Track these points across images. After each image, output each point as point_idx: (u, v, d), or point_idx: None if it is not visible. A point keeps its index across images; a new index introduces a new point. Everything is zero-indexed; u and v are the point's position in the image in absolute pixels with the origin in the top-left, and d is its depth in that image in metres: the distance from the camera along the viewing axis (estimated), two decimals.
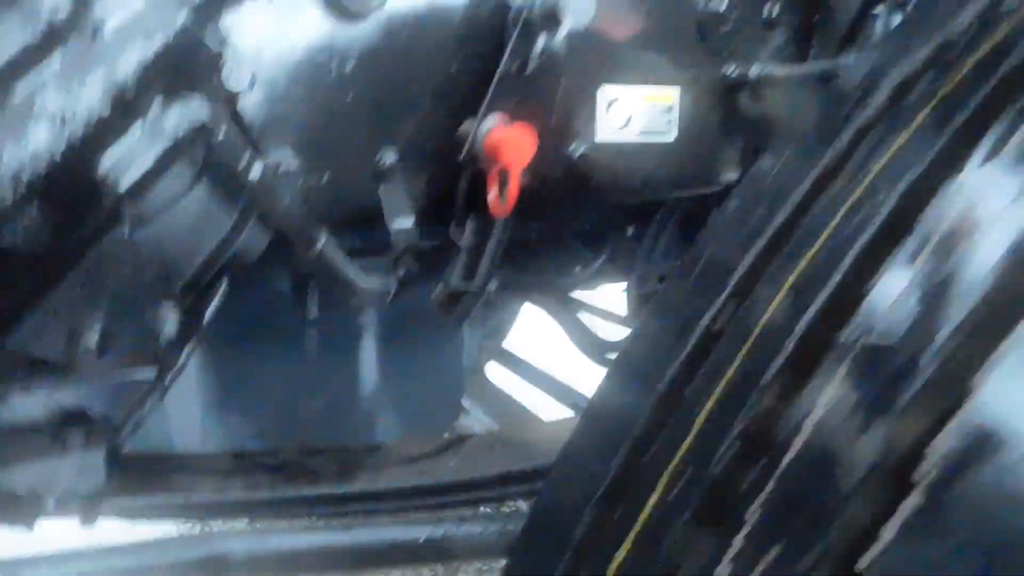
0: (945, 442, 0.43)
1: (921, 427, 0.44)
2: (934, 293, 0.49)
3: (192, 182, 0.69)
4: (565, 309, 1.32)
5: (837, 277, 0.54)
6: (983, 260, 0.49)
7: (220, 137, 0.66)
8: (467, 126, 0.86)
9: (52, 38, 0.58)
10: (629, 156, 0.98)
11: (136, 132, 0.59)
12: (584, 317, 1.37)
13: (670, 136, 1.00)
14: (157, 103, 0.59)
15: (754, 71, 0.99)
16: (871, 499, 0.44)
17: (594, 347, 1.36)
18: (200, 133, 0.62)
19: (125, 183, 0.59)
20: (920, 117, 0.56)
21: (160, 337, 0.71)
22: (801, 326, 0.52)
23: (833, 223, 0.57)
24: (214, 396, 0.97)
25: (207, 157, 0.68)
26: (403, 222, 0.86)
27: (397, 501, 0.87)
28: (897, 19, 0.96)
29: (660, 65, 0.97)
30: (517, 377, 1.82)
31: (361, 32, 0.80)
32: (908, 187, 0.54)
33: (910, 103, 0.56)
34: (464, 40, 0.85)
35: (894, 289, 0.51)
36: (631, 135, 0.98)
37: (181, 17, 0.60)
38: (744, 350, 0.56)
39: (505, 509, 1.05)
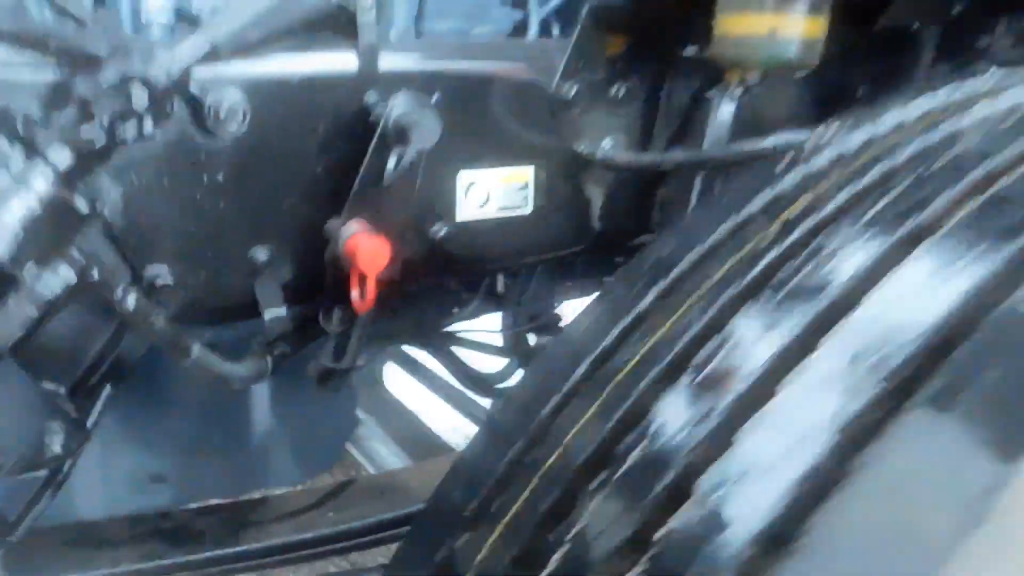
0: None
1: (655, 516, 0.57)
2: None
3: (71, 312, 0.75)
4: (441, 344, 1.43)
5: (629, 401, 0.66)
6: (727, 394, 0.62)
7: (96, 277, 0.73)
8: (333, 223, 0.94)
9: None
10: (489, 230, 1.07)
11: (12, 301, 0.65)
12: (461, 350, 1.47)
13: (527, 209, 1.10)
14: (30, 269, 0.66)
15: (600, 152, 1.09)
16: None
17: (472, 380, 1.47)
18: (73, 291, 0.69)
19: (6, 342, 0.66)
20: (701, 289, 0.68)
21: (49, 448, 0.78)
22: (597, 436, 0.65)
23: (630, 365, 0.69)
24: (114, 461, 1.04)
25: (84, 289, 0.75)
26: (276, 312, 0.94)
27: (279, 555, 0.97)
28: (729, 107, 1.07)
29: (515, 148, 1.07)
30: (415, 380, 1.92)
31: (229, 145, 0.87)
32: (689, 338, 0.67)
33: (698, 278, 0.68)
34: (328, 146, 0.92)
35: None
36: (490, 212, 1.07)
37: (49, 186, 0.66)
38: (555, 455, 0.68)
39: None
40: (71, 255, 0.69)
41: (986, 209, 0.60)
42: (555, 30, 1.26)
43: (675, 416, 0.64)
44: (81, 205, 0.69)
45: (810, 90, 1.08)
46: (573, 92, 1.06)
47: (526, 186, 1.09)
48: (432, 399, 1.86)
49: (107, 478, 1.08)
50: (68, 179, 0.68)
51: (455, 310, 1.32)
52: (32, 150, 0.70)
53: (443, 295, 1.32)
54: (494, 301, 1.36)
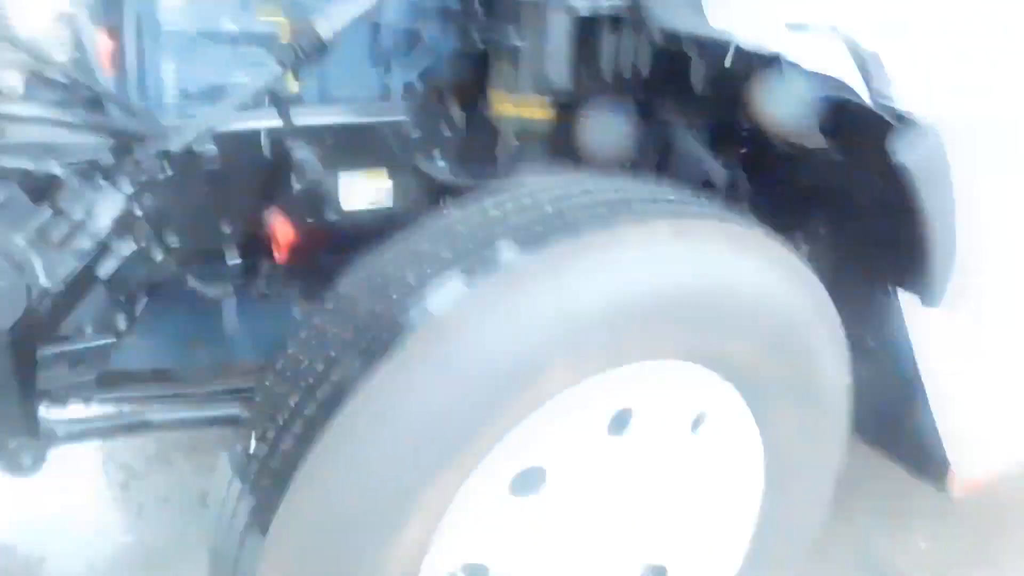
0: None
1: None
2: None
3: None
4: None
5: None
6: None
7: (141, 243, 1.50)
8: (267, 214, 1.70)
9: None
10: (364, 217, 1.82)
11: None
12: None
13: (389, 203, 1.84)
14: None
15: (435, 169, 1.84)
16: None
17: None
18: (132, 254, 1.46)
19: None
20: None
21: (116, 328, 1.58)
22: None
23: None
24: (148, 330, 1.82)
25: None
26: (234, 260, 1.71)
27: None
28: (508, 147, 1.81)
29: (377, 159, 1.79)
30: None
31: (209, 173, 1.61)
32: None
33: None
34: (264, 170, 1.67)
35: None
36: (363, 204, 1.82)
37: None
38: None
39: None
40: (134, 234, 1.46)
41: None
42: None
43: None
44: (135, 209, 1.45)
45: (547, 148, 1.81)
46: (416, 132, 1.80)
47: (388, 187, 1.83)
48: None
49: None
50: (131, 198, 1.44)
51: None
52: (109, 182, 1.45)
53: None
54: None
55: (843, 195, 1.66)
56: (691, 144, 1.81)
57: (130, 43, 1.64)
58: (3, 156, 1.42)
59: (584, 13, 1.63)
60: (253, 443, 1.25)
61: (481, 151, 1.86)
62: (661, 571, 1.53)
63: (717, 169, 1.74)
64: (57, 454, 1.57)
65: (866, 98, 1.40)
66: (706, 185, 1.75)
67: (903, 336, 1.72)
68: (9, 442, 1.47)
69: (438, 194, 1.86)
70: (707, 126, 1.78)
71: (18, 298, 1.34)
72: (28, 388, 1.49)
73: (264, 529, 1.17)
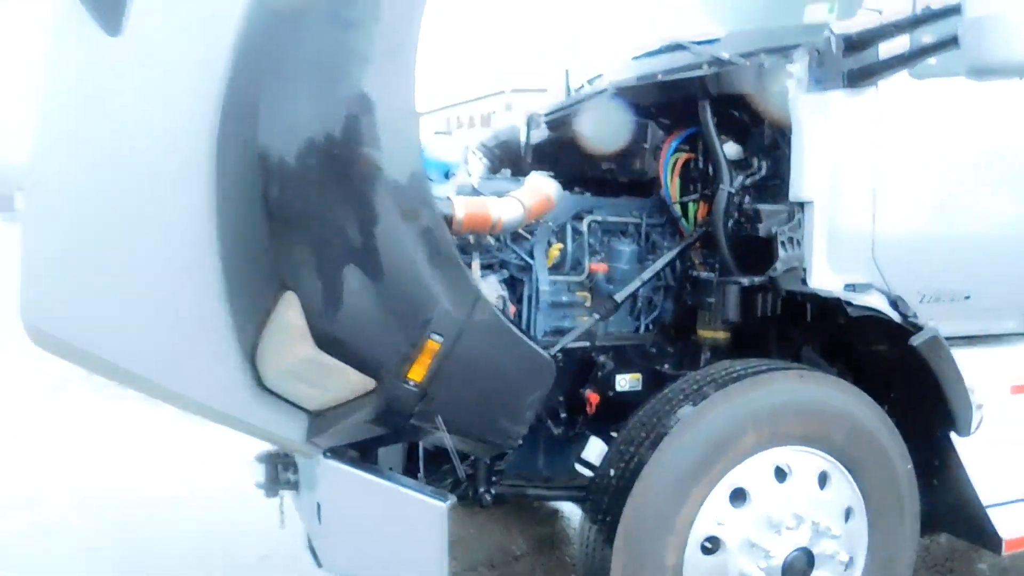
0: None
1: None
2: None
3: None
4: None
5: None
6: None
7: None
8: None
9: None
10: (629, 394, 3.30)
11: None
12: None
13: (639, 388, 3.32)
14: None
15: (666, 368, 3.34)
16: None
17: None
18: None
19: None
20: None
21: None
22: None
23: None
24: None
25: None
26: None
27: None
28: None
29: (636, 367, 3.31)
30: None
31: None
32: None
33: None
34: None
35: None
36: (627, 387, 3.31)
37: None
38: None
39: None
40: None
41: None
42: None
43: None
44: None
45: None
46: (653, 349, 3.33)
47: (639, 379, 3.33)
48: None
49: None
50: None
51: None
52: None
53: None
54: None
55: (903, 375, 3.01)
56: (811, 354, 3.23)
57: None
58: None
59: (745, 283, 3.14)
60: (598, 496, 2.68)
61: (691, 357, 3.35)
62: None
63: (825, 365, 3.14)
64: None
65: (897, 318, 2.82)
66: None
67: (956, 459, 2.97)
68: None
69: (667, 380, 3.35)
70: (823, 345, 3.21)
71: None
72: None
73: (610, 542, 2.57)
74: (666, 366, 3.34)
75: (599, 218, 3.31)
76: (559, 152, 3.56)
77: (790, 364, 2.87)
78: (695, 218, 3.31)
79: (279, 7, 2.18)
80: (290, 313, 2.13)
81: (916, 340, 2.75)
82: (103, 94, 2.18)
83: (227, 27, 2.19)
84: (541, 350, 2.55)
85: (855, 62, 2.89)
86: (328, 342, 2.17)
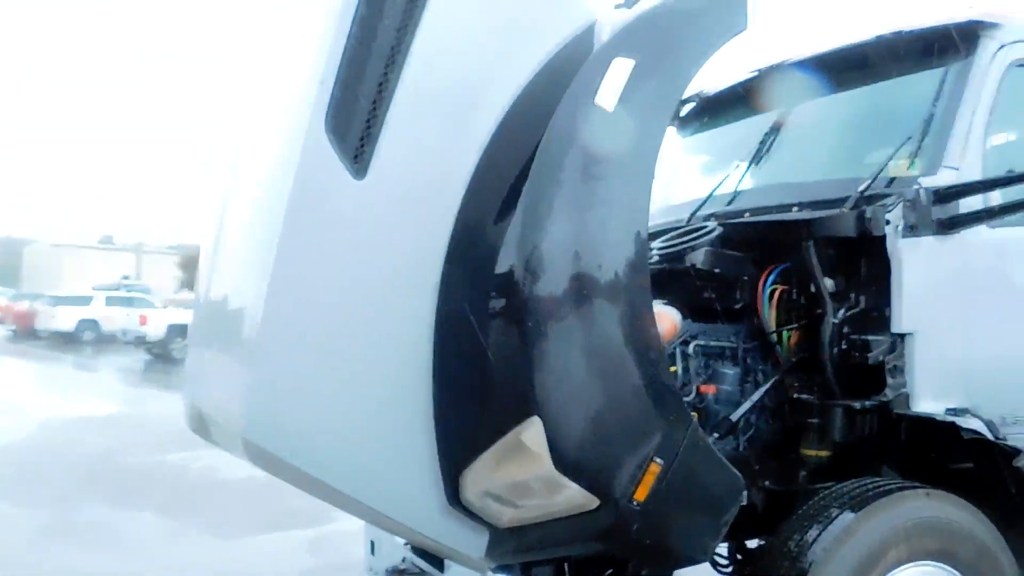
0: None
1: None
2: None
3: None
4: None
5: None
6: None
7: None
8: None
9: None
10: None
11: None
12: None
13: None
14: None
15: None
16: None
17: None
18: None
19: None
20: None
21: None
22: None
23: None
24: None
25: None
26: None
27: None
28: None
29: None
30: None
31: None
32: None
33: None
34: None
35: None
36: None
37: None
38: None
39: None
40: None
41: None
42: None
43: None
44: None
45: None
46: (756, 465, 3.57)
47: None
48: None
49: None
50: None
51: None
52: None
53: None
54: None
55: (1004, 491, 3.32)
56: (890, 472, 3.51)
57: None
58: None
59: (857, 407, 3.40)
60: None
61: (789, 474, 3.59)
62: None
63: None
64: None
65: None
66: None
67: None
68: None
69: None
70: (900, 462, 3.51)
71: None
72: None
73: None
74: (767, 483, 3.55)
75: (703, 342, 3.57)
76: (668, 280, 3.85)
77: (913, 483, 3.14)
78: (787, 344, 3.61)
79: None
80: (527, 435, 2.29)
81: (1021, 462, 3.07)
82: (346, 237, 2.37)
83: (462, 169, 2.44)
84: (735, 471, 2.74)
85: (942, 211, 3.31)
86: (566, 463, 2.33)
